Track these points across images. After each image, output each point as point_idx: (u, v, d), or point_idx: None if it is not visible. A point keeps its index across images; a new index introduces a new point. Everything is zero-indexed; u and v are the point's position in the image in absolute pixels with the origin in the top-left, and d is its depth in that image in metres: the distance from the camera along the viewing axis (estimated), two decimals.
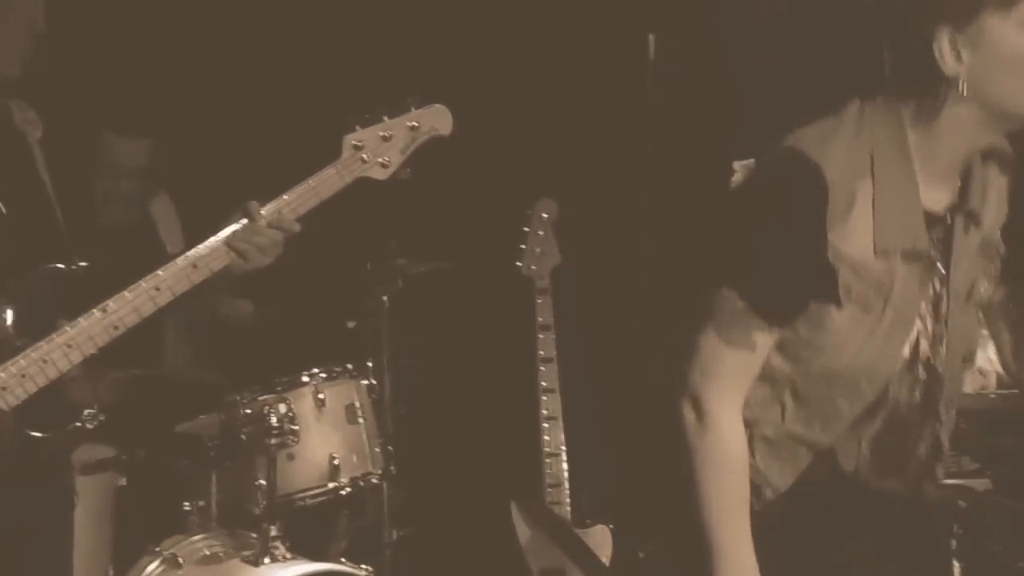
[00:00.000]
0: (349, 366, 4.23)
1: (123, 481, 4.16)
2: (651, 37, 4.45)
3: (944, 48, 2.31)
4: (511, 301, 4.76)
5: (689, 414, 2.35)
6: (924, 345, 2.43)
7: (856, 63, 2.45)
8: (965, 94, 2.31)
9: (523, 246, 4.82)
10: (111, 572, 4.07)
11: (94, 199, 4.58)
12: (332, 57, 5.09)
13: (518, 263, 4.81)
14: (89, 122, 4.56)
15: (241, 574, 3.83)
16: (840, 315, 2.35)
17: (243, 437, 4.03)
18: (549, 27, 4.97)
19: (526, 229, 4.84)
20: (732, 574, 2.31)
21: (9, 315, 2.88)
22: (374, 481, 4.22)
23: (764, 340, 2.35)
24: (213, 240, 3.03)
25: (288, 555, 3.91)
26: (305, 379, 4.13)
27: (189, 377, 4.45)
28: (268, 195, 3.13)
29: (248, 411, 4.01)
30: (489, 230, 4.89)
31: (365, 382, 4.28)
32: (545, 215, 4.85)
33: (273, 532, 3.92)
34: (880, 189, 2.34)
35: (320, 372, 4.17)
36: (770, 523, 2.40)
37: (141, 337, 4.38)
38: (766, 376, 2.40)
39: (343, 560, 3.98)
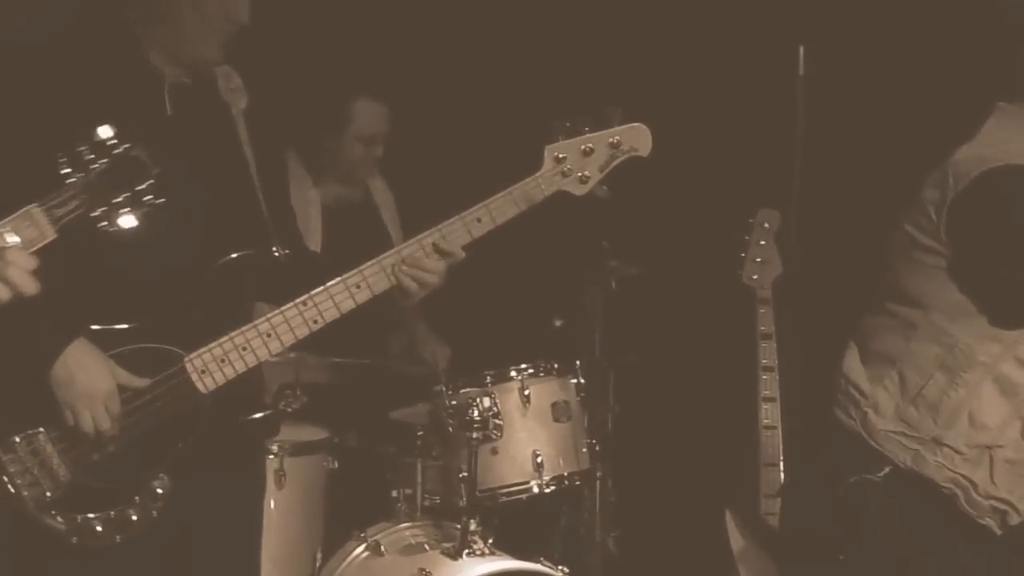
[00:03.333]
0: (556, 364, 4.21)
1: (335, 464, 4.24)
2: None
3: None
4: (727, 307, 4.64)
5: None
6: None
7: (997, 67, 2.37)
8: None
9: (743, 255, 4.68)
10: (319, 554, 4.14)
11: (336, 168, 4.61)
12: (536, 60, 5.04)
13: (739, 271, 4.67)
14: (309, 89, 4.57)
15: (439, 566, 3.85)
16: None
17: (450, 429, 4.05)
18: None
19: (746, 238, 4.70)
20: None
21: (213, 299, 2.89)
22: (577, 482, 4.20)
23: None
24: (416, 240, 3.02)
25: (487, 550, 3.91)
26: (512, 374, 4.14)
27: (402, 365, 4.48)
28: (463, 194, 3.11)
29: (453, 403, 4.03)
30: (705, 236, 4.77)
31: (574, 381, 4.26)
32: (767, 225, 4.68)
33: (473, 526, 3.93)
34: None
35: (528, 368, 4.16)
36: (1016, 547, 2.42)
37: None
38: (1006, 391, 2.41)
39: (542, 560, 3.94)
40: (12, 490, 2.72)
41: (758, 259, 4.56)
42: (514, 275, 4.56)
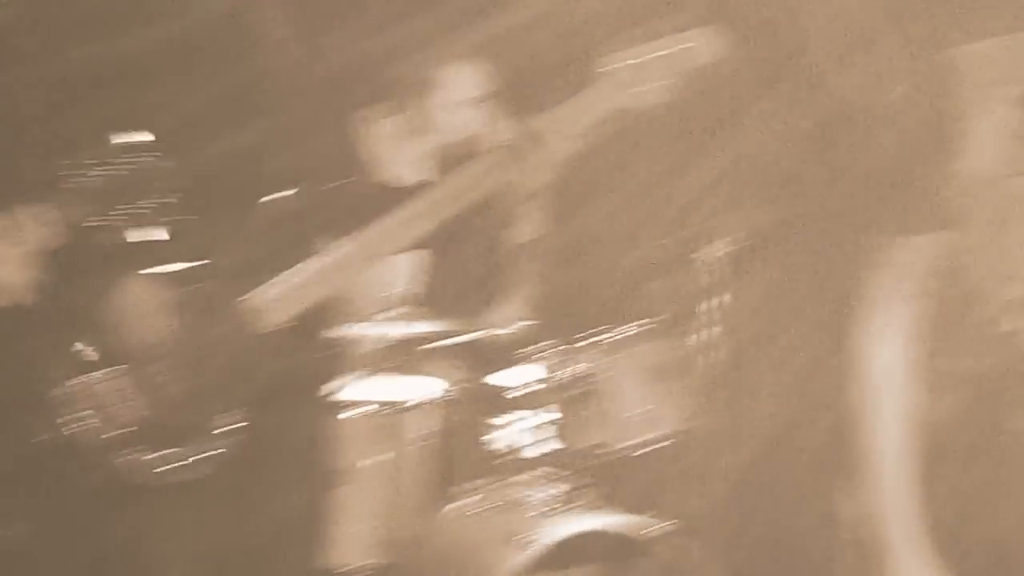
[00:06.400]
0: (663, 322, 4.12)
1: (440, 421, 4.23)
2: None
3: None
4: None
5: None
6: None
7: None
8: None
9: None
10: (427, 507, 4.13)
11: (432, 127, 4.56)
12: None
13: None
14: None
15: (534, 523, 3.80)
16: None
17: (552, 386, 3.99)
18: None
19: None
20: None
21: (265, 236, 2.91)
22: (675, 441, 4.11)
23: None
24: (469, 164, 3.09)
25: (591, 506, 3.88)
26: (618, 332, 4.07)
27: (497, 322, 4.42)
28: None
29: (556, 360, 3.98)
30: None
31: (682, 339, 4.15)
32: None
33: (577, 481, 3.90)
34: None
35: (632, 325, 4.09)
36: None
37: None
38: None
39: (649, 515, 3.86)
40: (92, 426, 2.80)
41: None
42: (621, 226, 4.44)
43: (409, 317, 4.12)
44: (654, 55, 3.04)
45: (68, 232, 2.25)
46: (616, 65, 3.01)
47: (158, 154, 2.33)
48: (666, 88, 3.04)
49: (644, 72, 3.02)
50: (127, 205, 2.33)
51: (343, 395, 3.95)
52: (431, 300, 4.27)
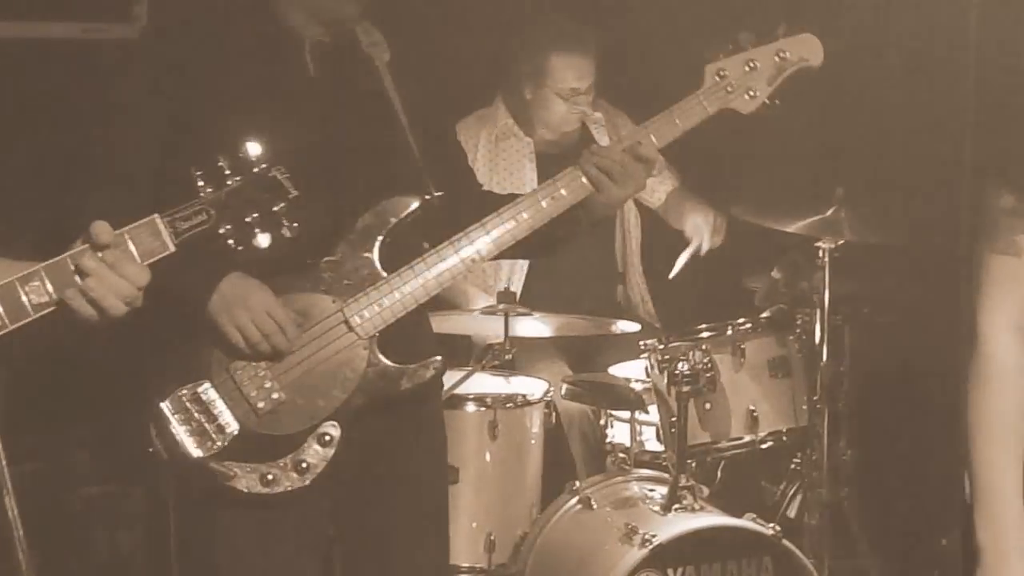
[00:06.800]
0: (774, 320, 4.10)
1: (553, 417, 4.24)
2: None
3: None
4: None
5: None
6: None
7: None
8: None
9: None
10: (535, 506, 4.15)
11: (543, 121, 4.56)
12: None
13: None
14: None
15: (647, 520, 3.80)
16: None
17: (662, 383, 3.99)
18: None
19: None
20: (988, 503, 2.14)
21: (373, 246, 2.89)
22: (795, 439, 4.10)
23: None
24: (570, 169, 2.96)
25: (697, 505, 3.86)
26: (727, 330, 4.05)
27: (615, 321, 4.42)
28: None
29: (665, 356, 3.97)
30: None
31: (792, 337, 4.14)
32: None
33: (684, 481, 3.88)
34: None
35: (744, 323, 4.07)
36: None
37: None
38: None
39: (754, 517, 3.85)
40: (181, 442, 2.78)
41: None
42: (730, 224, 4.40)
43: (519, 315, 4.17)
44: (767, 58, 2.98)
45: (176, 240, 2.25)
46: (727, 69, 2.96)
47: (265, 164, 2.33)
48: (776, 89, 2.99)
49: (757, 75, 2.97)
50: (237, 215, 2.33)
51: (454, 394, 4.01)
52: (540, 298, 4.32)
